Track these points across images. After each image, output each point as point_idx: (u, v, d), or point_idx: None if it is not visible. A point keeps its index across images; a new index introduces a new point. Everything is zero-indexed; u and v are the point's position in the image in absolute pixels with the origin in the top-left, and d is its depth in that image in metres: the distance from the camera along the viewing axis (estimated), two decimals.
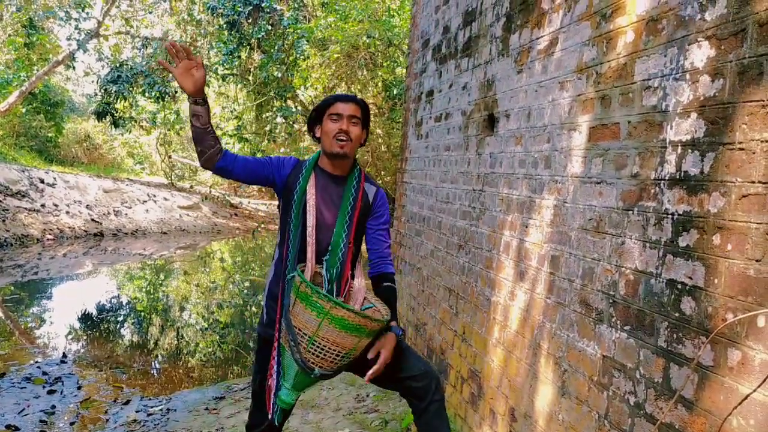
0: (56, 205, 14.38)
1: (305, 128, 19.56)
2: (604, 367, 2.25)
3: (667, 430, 1.88)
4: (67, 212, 14.46)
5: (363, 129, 2.64)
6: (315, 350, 2.31)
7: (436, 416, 2.55)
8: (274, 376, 2.50)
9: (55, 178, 15.43)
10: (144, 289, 10.38)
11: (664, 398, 1.90)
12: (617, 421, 2.14)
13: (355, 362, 2.59)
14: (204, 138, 2.47)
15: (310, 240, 2.51)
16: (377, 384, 2.71)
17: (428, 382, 2.54)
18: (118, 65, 17.54)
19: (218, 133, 19.03)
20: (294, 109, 16.93)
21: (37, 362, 5.76)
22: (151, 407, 4.79)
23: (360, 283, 2.60)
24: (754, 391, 1.56)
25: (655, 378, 1.95)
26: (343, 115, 2.56)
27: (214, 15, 15.84)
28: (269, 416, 2.54)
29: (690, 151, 1.87)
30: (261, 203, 24.51)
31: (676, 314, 1.87)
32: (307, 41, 15.18)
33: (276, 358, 2.50)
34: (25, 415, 4.47)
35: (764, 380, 1.54)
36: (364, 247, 2.72)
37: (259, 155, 18.50)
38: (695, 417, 1.76)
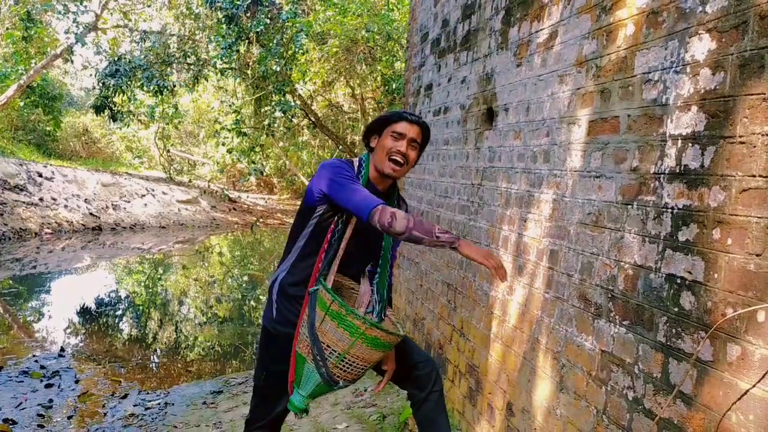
0: (54, 199, 14.36)
1: (304, 122, 19.56)
2: (603, 362, 2.24)
3: (665, 426, 1.87)
4: (66, 206, 14.44)
5: (419, 153, 2.55)
6: (343, 366, 2.30)
7: (436, 407, 2.54)
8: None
9: (53, 172, 15.40)
10: (142, 284, 10.37)
11: (663, 393, 1.89)
12: (616, 417, 2.13)
13: None
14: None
15: (341, 253, 2.41)
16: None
17: (430, 371, 2.53)
18: (116, 59, 17.43)
19: (217, 127, 19.01)
20: (293, 104, 16.90)
21: (34, 356, 5.75)
22: (149, 401, 4.78)
23: (366, 286, 2.58)
24: (754, 386, 1.55)
25: (653, 373, 1.94)
26: (405, 136, 2.45)
27: (213, 8, 15.76)
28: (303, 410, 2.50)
29: (690, 144, 1.85)
30: (259, 197, 24.50)
31: (676, 309, 1.86)
32: (306, 35, 15.13)
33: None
34: (23, 409, 4.46)
35: (764, 375, 1.53)
36: None
37: (257, 149, 18.50)
38: (694, 412, 1.75)
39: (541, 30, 2.97)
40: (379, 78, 17.21)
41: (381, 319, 2.52)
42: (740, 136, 1.66)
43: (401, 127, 2.46)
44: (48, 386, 4.95)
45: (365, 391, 4.61)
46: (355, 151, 20.22)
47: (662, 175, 1.97)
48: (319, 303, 2.31)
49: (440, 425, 2.57)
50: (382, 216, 2.21)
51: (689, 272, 1.81)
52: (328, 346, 2.29)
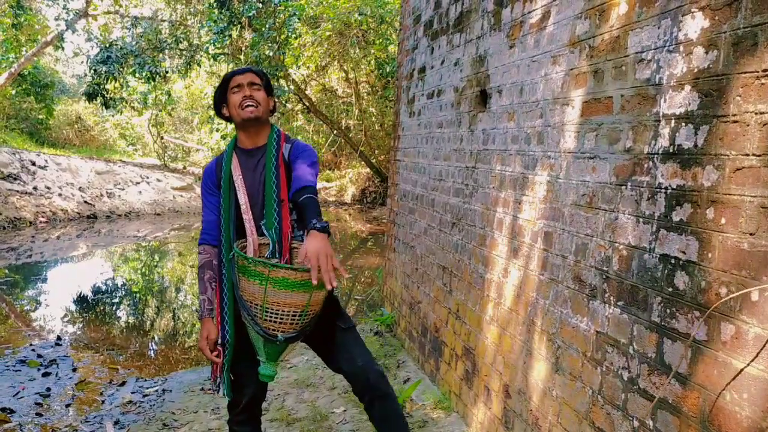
0: (48, 188, 14.29)
1: (298, 107, 19.46)
2: (598, 343, 2.24)
3: (661, 405, 1.88)
4: (60, 194, 14.38)
5: (268, 96, 2.67)
6: (270, 317, 2.33)
7: (383, 412, 2.54)
8: (221, 350, 2.58)
9: (46, 161, 15.31)
10: (139, 271, 10.36)
11: (658, 373, 1.89)
12: (611, 397, 2.14)
13: (317, 342, 2.60)
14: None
15: (247, 217, 2.54)
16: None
17: (364, 380, 2.50)
18: (107, 45, 17.30)
19: (210, 113, 18.89)
20: (286, 88, 16.80)
21: (32, 345, 5.75)
22: (147, 388, 4.79)
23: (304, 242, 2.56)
24: (748, 365, 1.56)
25: (648, 353, 1.95)
26: (243, 84, 2.59)
27: None
28: (218, 390, 2.61)
29: (684, 124, 1.84)
30: None
31: (670, 289, 1.86)
32: (299, 19, 15.01)
33: (221, 333, 2.57)
34: (21, 398, 4.47)
35: (758, 354, 1.53)
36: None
37: None
38: (689, 391, 1.76)
39: (533, 10, 2.95)
40: (372, 61, 17.12)
41: (274, 255, 2.50)
42: (733, 115, 1.65)
43: (235, 81, 2.63)
44: (45, 375, 4.95)
45: None
46: (350, 135, 20.16)
47: (656, 155, 1.96)
48: (235, 267, 2.42)
49: (394, 429, 2.55)
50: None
51: (683, 252, 1.81)
52: (250, 301, 2.36)
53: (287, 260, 2.54)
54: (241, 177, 2.59)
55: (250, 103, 2.56)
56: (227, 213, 2.59)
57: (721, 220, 1.67)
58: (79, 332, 6.60)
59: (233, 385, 2.66)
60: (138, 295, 8.65)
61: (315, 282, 2.18)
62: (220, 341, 2.58)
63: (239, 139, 2.69)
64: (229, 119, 2.69)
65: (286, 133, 2.79)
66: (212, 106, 2.78)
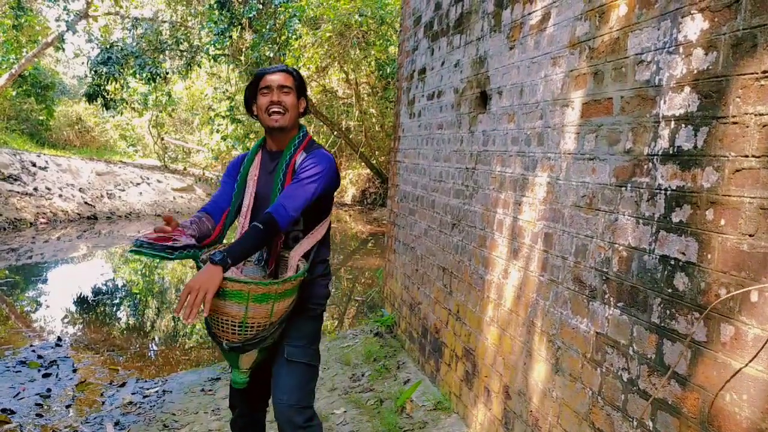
0: (49, 189, 14.29)
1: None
2: (598, 344, 2.24)
3: (660, 406, 1.88)
4: (60, 195, 14.38)
5: (300, 97, 2.58)
6: (215, 324, 2.31)
7: None
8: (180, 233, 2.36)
9: (47, 162, 15.32)
10: (139, 272, 10.36)
11: (658, 374, 1.90)
12: (611, 398, 2.14)
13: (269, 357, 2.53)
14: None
15: (243, 220, 2.51)
16: None
17: (277, 415, 2.43)
18: (108, 46, 17.33)
19: (211, 114, 18.94)
20: None
21: (32, 346, 5.75)
22: (147, 389, 4.79)
23: (295, 252, 2.49)
24: (748, 365, 1.56)
25: (648, 354, 1.95)
26: (272, 87, 2.51)
27: None
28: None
29: (683, 125, 1.85)
30: None
31: (669, 290, 1.86)
32: (299, 20, 15.02)
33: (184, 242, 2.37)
34: (21, 398, 4.47)
35: (756, 354, 1.53)
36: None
37: (252, 136, 18.41)
38: (688, 392, 1.76)
39: (533, 12, 2.95)
40: (373, 62, 17.13)
41: (260, 262, 2.53)
42: (733, 117, 1.65)
43: (265, 81, 2.53)
44: (46, 376, 4.95)
45: (362, 376, 4.63)
46: (350, 136, 20.16)
47: (656, 157, 1.97)
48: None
49: None
50: None
51: (683, 253, 1.81)
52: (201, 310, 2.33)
53: (273, 269, 2.53)
54: (255, 178, 2.57)
55: (277, 110, 2.49)
56: (234, 206, 2.58)
57: (721, 221, 1.67)
58: (79, 333, 6.60)
59: (232, 390, 2.66)
60: (138, 296, 8.65)
61: (177, 314, 2.13)
62: (183, 237, 2.32)
63: (266, 140, 2.66)
64: (257, 118, 2.63)
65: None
66: (245, 106, 2.67)
